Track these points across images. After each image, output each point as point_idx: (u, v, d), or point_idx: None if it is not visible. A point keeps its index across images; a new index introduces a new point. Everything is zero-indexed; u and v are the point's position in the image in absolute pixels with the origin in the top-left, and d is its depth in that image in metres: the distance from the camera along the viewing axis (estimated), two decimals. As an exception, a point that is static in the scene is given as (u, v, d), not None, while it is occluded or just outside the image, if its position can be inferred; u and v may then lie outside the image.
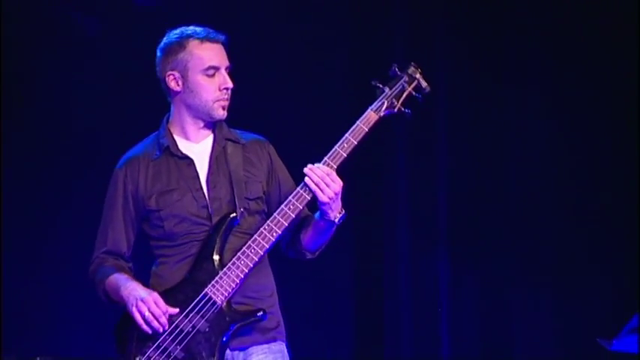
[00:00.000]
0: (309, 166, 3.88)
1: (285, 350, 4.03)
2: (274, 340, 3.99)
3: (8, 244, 5.98)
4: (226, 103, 3.99)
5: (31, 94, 6.06)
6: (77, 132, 6.09)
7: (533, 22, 6.03)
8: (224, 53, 4.01)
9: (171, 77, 3.99)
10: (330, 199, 3.88)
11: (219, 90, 3.97)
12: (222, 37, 4.01)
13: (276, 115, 5.86)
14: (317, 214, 3.95)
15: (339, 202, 3.92)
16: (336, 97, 6.10)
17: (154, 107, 6.06)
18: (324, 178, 3.86)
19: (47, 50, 6.05)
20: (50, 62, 6.05)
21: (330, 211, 3.90)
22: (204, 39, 3.97)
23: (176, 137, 4.03)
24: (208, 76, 3.96)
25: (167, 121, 4.07)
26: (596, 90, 5.91)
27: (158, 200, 3.96)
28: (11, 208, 6.00)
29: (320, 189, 3.87)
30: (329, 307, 6.16)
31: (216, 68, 3.96)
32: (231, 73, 4.00)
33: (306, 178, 3.87)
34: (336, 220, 3.93)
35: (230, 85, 3.97)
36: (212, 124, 4.04)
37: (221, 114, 3.99)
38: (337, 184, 3.88)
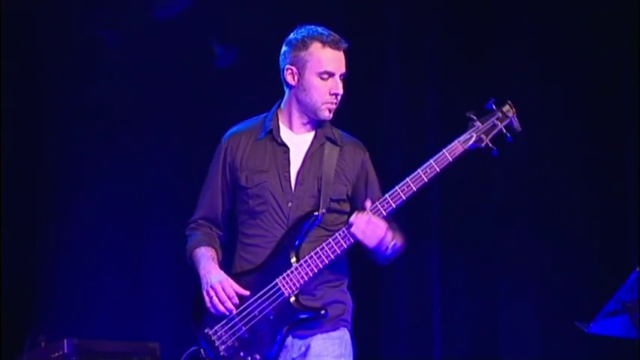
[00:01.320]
0: (357, 214, 4.01)
1: (347, 336, 4.18)
2: (337, 327, 4.15)
3: (40, 233, 6.17)
4: (334, 107, 4.14)
5: (55, 100, 6.25)
6: (100, 133, 6.30)
7: (522, 25, 6.09)
8: (342, 60, 4.14)
9: (289, 71, 4.16)
10: (376, 244, 4.03)
11: (330, 94, 4.13)
12: (344, 45, 4.15)
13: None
14: None
15: (387, 237, 4.04)
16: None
17: (169, 112, 6.36)
18: (368, 225, 3.99)
19: (70, 61, 6.23)
20: (72, 72, 6.23)
21: (379, 249, 4.06)
22: (327, 44, 4.11)
23: (281, 124, 4.20)
24: (322, 79, 4.12)
25: (278, 107, 4.24)
26: (582, 93, 5.97)
27: (248, 178, 4.14)
28: (41, 199, 6.21)
29: (365, 239, 4.00)
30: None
31: (331, 74, 4.12)
32: (345, 79, 4.15)
33: (352, 229, 3.99)
34: (388, 253, 4.09)
35: (340, 91, 4.12)
36: (316, 122, 4.19)
37: (327, 115, 4.15)
38: (381, 229, 4.01)
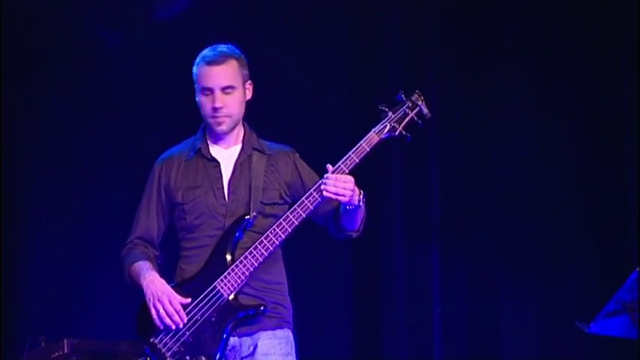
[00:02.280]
0: (325, 180, 4.13)
1: (291, 336, 4.31)
2: (280, 327, 4.28)
3: (39, 233, 6.18)
4: (222, 120, 4.28)
5: (54, 100, 6.25)
6: (99, 134, 6.31)
7: (521, 27, 6.12)
8: (221, 75, 4.27)
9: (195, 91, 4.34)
10: (349, 197, 4.14)
11: (211, 109, 4.27)
12: (223, 60, 4.28)
13: (275, 114, 5.85)
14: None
15: (356, 190, 4.16)
16: (333, 96, 6.16)
17: (169, 114, 6.37)
18: (337, 186, 4.12)
19: (70, 61, 6.24)
20: (72, 72, 6.25)
21: (352, 202, 4.16)
22: (206, 62, 4.28)
23: (209, 142, 4.36)
24: (205, 95, 4.28)
25: (205, 127, 4.38)
26: (582, 93, 5.99)
27: (184, 195, 4.30)
28: (41, 199, 6.22)
29: (340, 195, 4.13)
30: (327, 308, 6.24)
31: (210, 89, 4.27)
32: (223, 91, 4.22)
33: (325, 193, 4.13)
34: (360, 203, 4.19)
35: (217, 105, 4.26)
36: (241, 135, 4.35)
37: (218, 129, 4.31)
38: (348, 183, 4.13)
